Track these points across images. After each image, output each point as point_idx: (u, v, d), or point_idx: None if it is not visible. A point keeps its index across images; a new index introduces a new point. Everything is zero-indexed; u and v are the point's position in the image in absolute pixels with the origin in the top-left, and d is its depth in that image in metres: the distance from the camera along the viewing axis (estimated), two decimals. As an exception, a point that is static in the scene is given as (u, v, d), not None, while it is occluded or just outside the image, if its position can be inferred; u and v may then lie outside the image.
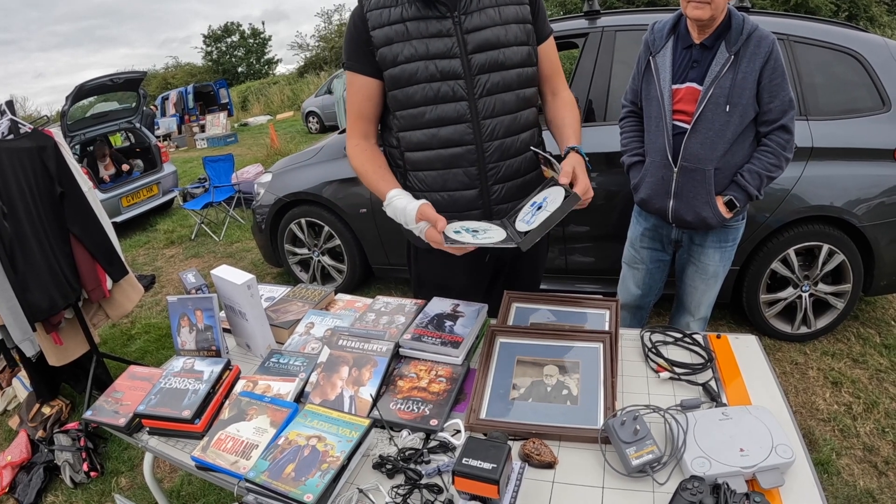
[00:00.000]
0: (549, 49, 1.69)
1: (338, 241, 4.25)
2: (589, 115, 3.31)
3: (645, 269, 2.40)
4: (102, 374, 3.36)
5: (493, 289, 1.88)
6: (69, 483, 2.89)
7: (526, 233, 1.38)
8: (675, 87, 2.04)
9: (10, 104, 2.94)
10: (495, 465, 1.09)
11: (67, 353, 3.04)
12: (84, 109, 7.39)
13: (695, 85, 2.00)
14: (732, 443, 1.16)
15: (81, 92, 6.50)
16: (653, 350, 1.56)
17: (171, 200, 7.82)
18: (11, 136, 2.77)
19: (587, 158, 1.52)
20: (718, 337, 1.62)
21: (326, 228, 4.24)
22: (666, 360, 1.52)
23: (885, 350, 3.11)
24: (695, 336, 1.62)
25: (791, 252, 3.02)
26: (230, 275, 1.70)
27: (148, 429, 1.53)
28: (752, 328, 3.30)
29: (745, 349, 1.57)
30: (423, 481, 1.20)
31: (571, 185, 1.40)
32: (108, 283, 3.15)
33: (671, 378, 1.47)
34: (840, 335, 3.27)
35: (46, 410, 3.41)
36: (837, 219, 2.90)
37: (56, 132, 2.98)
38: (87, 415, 1.60)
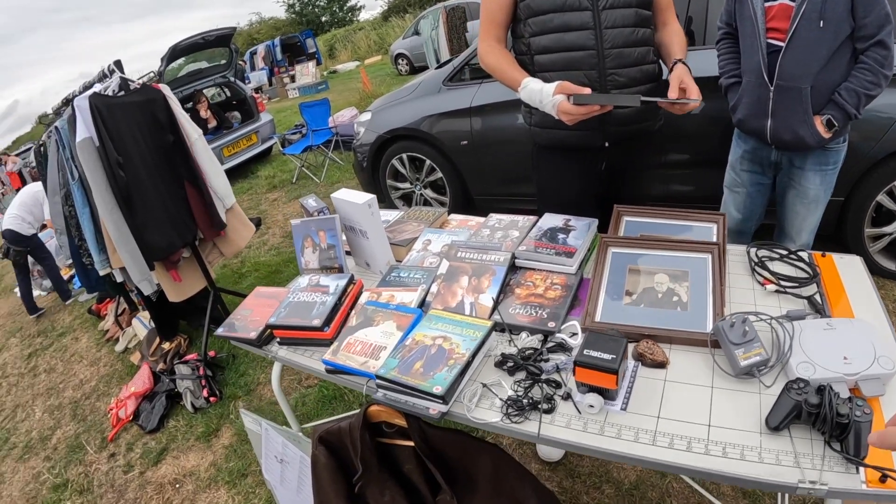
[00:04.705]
0: None
1: (439, 174, 4.33)
2: (688, 39, 3.21)
3: (745, 193, 2.38)
4: (220, 307, 3.62)
5: (603, 203, 1.99)
6: (190, 408, 3.16)
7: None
8: (767, 4, 2.01)
9: (118, 63, 3.14)
10: (615, 356, 1.15)
11: (185, 289, 3.29)
12: (177, 70, 7.69)
13: (787, 1, 1.95)
14: (836, 351, 1.17)
15: (175, 52, 6.75)
16: (759, 264, 1.58)
17: (270, 148, 8.14)
18: (122, 93, 2.97)
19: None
20: (823, 255, 1.61)
21: (428, 162, 4.33)
22: (772, 273, 1.54)
23: None
24: (800, 253, 1.62)
25: None
26: (351, 196, 1.80)
27: (278, 339, 1.65)
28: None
29: (849, 268, 1.56)
30: (543, 377, 1.29)
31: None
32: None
33: (777, 291, 1.48)
34: (951, 277, 3.04)
35: (166, 346, 3.72)
36: None
37: (164, 87, 3.16)
38: (220, 331, 1.73)
